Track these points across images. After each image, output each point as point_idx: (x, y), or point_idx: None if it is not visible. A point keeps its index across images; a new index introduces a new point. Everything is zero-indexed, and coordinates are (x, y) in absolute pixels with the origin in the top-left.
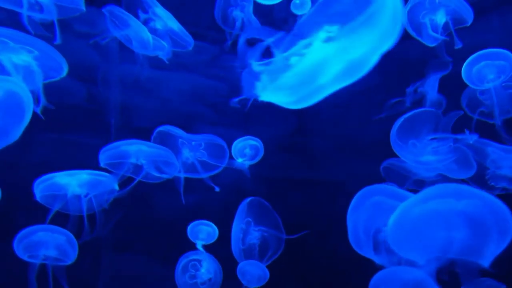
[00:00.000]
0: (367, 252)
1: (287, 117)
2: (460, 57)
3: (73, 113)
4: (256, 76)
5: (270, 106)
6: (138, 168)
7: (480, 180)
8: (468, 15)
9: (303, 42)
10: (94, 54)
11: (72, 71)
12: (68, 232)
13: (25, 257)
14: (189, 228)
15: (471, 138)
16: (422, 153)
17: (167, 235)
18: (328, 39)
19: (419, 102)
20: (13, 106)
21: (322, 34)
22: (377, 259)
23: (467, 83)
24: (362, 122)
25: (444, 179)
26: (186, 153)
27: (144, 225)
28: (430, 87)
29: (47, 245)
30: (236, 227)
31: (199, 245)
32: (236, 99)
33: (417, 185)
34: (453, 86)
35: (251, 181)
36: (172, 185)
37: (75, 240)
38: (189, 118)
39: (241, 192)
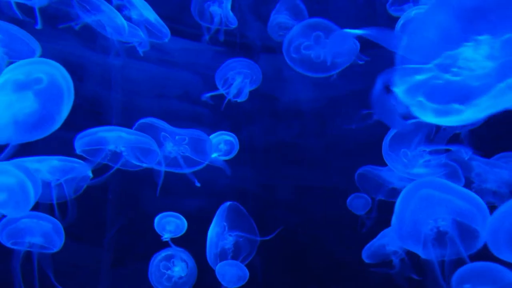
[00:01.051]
0: (412, 245)
1: (286, 119)
2: None
3: (73, 113)
4: (395, 94)
5: (268, 108)
6: (116, 155)
7: None
8: None
9: (450, 53)
10: (95, 54)
11: (72, 71)
12: (55, 220)
13: (8, 244)
14: (156, 219)
15: (466, 152)
16: (413, 165)
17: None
18: (490, 54)
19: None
20: (56, 90)
21: (479, 47)
22: (423, 253)
23: None
24: (362, 123)
25: None
26: (169, 147)
27: (143, 229)
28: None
29: (33, 232)
30: (213, 231)
31: (166, 237)
32: (208, 94)
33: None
34: None
35: (251, 185)
36: (174, 189)
37: (61, 228)
38: (189, 119)
39: (241, 196)
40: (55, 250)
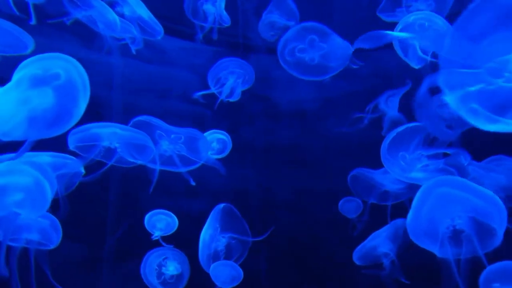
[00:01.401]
0: (428, 244)
1: (286, 119)
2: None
3: None
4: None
5: (268, 108)
6: (110, 151)
7: None
8: None
9: (501, 59)
10: (94, 53)
11: None
12: (52, 216)
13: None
14: (147, 217)
15: (466, 158)
16: (411, 169)
17: (170, 242)
18: None
19: (378, 119)
20: (73, 86)
21: None
22: (439, 252)
23: None
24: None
25: (410, 191)
26: (165, 145)
27: (142, 229)
28: (390, 105)
29: (30, 229)
30: (206, 233)
31: (157, 235)
32: (200, 93)
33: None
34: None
35: (251, 185)
36: (176, 190)
37: (59, 224)
38: (189, 118)
39: (241, 196)
40: (52, 246)
